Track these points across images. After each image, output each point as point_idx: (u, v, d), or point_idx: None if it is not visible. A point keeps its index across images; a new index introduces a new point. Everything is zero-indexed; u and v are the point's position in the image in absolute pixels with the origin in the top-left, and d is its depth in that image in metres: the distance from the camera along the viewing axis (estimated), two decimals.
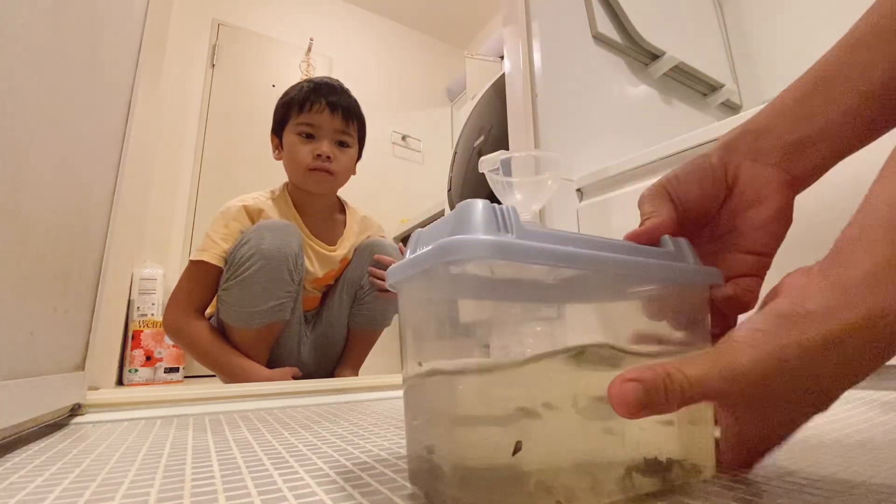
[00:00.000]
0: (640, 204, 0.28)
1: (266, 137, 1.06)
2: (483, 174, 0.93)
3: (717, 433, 0.24)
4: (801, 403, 0.20)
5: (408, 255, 0.22)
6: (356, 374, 1.07)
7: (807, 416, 0.20)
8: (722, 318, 0.26)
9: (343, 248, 1.05)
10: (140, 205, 1.47)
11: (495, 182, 0.90)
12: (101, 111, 0.47)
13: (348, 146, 1.02)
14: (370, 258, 1.04)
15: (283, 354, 0.96)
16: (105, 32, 0.46)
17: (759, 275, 0.27)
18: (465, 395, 0.18)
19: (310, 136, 0.98)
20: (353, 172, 1.08)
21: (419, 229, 0.22)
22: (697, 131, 0.77)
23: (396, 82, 2.86)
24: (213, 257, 0.88)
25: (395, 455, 0.29)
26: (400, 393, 0.63)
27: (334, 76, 1.09)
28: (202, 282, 0.89)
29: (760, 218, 0.26)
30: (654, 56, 1.22)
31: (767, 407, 0.20)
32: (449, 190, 1.69)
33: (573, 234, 0.20)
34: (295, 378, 0.90)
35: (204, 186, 2.09)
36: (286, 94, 1.02)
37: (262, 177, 1.58)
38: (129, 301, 1.56)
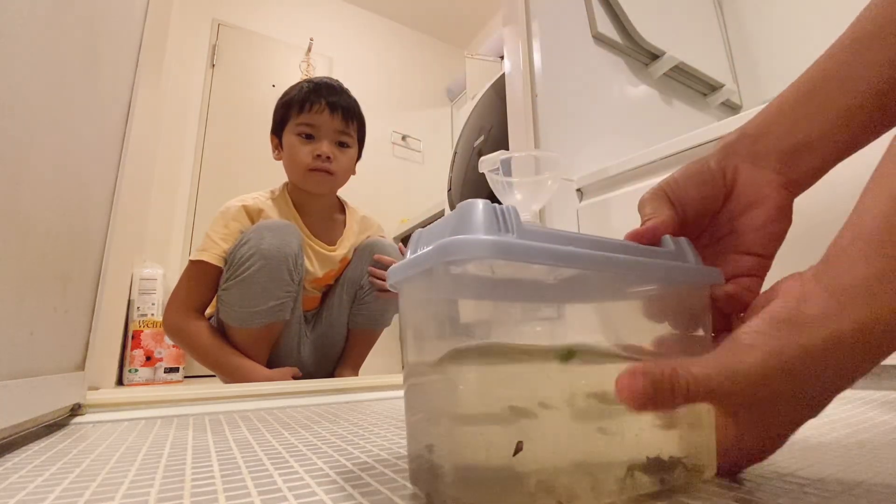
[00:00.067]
0: (641, 206, 0.28)
1: (266, 137, 1.06)
2: (483, 174, 0.93)
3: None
4: (798, 405, 0.20)
5: (408, 255, 0.22)
6: (356, 374, 1.07)
7: (802, 419, 0.21)
8: (722, 317, 0.26)
9: (343, 248, 1.05)
10: (140, 205, 1.47)
11: (495, 182, 0.90)
12: (101, 111, 0.47)
13: (348, 146, 1.02)
14: (370, 258, 1.04)
15: (283, 354, 0.95)
16: (105, 32, 0.46)
17: (759, 275, 0.27)
18: (466, 394, 0.18)
19: (310, 137, 0.98)
20: (353, 172, 1.08)
21: (420, 229, 0.22)
22: (697, 131, 0.77)
23: (396, 82, 2.86)
24: (212, 257, 0.88)
25: (395, 455, 0.29)
26: (400, 393, 0.63)
27: (334, 76, 1.09)
28: (202, 282, 0.89)
29: (759, 220, 0.27)
30: (654, 56, 1.22)
31: (766, 409, 0.20)
32: (449, 190, 1.69)
33: (574, 233, 0.20)
34: (295, 378, 0.90)
35: (204, 186, 2.10)
36: (286, 94, 1.02)
37: (262, 177, 1.58)
38: (129, 301, 1.56)
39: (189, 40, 2.17)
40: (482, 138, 1.45)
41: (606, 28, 1.13)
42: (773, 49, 1.38)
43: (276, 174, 1.04)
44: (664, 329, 0.24)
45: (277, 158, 1.04)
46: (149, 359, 1.60)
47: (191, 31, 2.19)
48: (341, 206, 1.12)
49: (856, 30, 0.26)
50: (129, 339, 1.58)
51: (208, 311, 0.93)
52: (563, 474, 0.19)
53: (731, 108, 1.42)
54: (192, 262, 0.89)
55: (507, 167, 0.90)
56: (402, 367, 0.24)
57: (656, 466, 0.21)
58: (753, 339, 0.19)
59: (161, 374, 1.62)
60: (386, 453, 0.30)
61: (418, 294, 0.22)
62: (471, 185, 1.48)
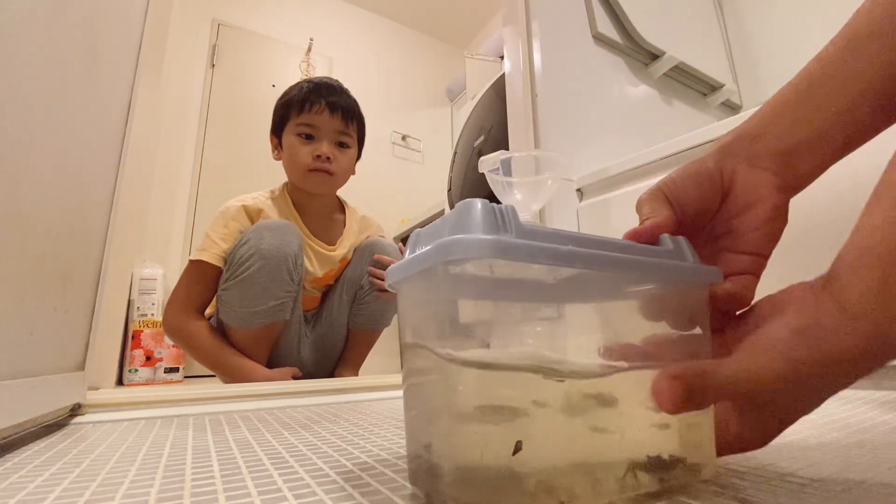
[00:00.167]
0: (639, 206, 0.28)
1: (266, 137, 1.06)
2: (483, 174, 0.93)
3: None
4: (802, 405, 0.22)
5: (407, 255, 0.22)
6: (356, 374, 1.07)
7: (800, 416, 0.22)
8: (721, 314, 0.26)
9: (343, 248, 1.05)
10: (140, 205, 1.47)
11: (495, 182, 0.90)
12: (101, 111, 0.47)
13: (348, 146, 1.02)
14: (370, 258, 1.04)
15: (283, 354, 0.95)
16: (105, 32, 0.46)
17: (756, 273, 0.27)
18: (465, 393, 0.18)
19: (309, 137, 0.98)
20: (353, 173, 1.08)
21: (419, 229, 0.22)
22: (697, 131, 0.77)
23: (396, 82, 2.86)
24: (212, 257, 0.88)
25: (395, 455, 0.29)
26: (400, 393, 0.63)
27: (334, 76, 1.09)
28: (202, 281, 0.89)
29: (756, 220, 0.27)
30: (654, 56, 1.22)
31: (773, 407, 0.22)
32: (449, 190, 1.69)
33: (573, 233, 0.20)
34: (295, 378, 0.90)
35: (204, 186, 2.10)
36: (286, 94, 1.02)
37: (262, 177, 1.58)
38: (129, 301, 1.56)
39: (189, 40, 2.17)
40: (482, 138, 1.45)
41: (606, 28, 1.13)
42: (773, 49, 1.38)
43: (276, 174, 1.04)
44: (663, 328, 0.24)
45: (277, 158, 1.04)
46: (149, 359, 1.60)
47: (191, 31, 2.19)
48: (341, 206, 1.12)
49: (851, 29, 0.26)
50: (129, 339, 1.58)
51: (208, 311, 0.93)
52: (563, 474, 0.19)
53: (731, 108, 1.42)
54: (191, 261, 0.89)
55: (507, 167, 0.90)
56: (402, 367, 0.24)
57: (656, 465, 0.21)
58: (775, 346, 0.21)
59: (161, 374, 1.62)
60: (386, 453, 0.30)
61: (417, 294, 0.22)
62: (471, 185, 1.48)
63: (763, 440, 0.23)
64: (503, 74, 1.20)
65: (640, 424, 0.21)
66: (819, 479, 0.23)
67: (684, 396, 0.19)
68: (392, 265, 0.23)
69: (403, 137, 2.81)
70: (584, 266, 0.20)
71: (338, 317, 1.04)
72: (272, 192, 1.01)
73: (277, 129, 1.02)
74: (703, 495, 0.21)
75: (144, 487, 0.23)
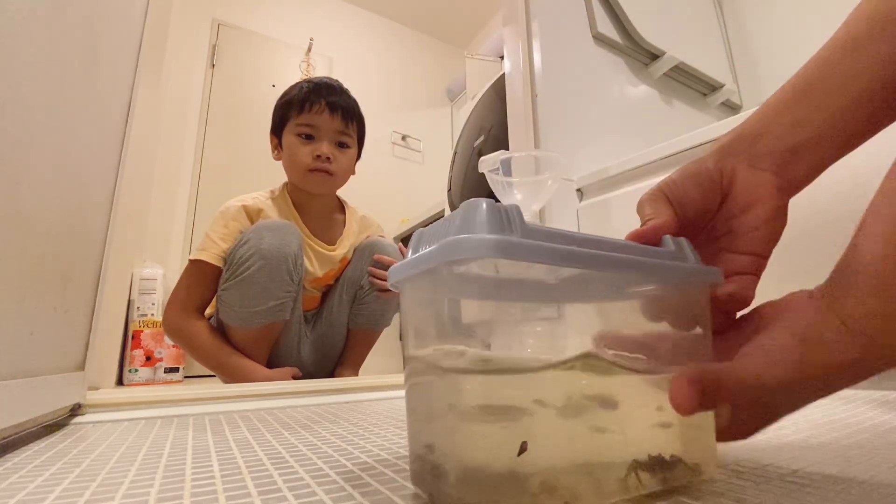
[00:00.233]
0: (640, 207, 0.28)
1: (266, 137, 1.06)
2: (483, 174, 0.93)
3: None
4: (794, 406, 0.23)
5: (409, 255, 0.22)
6: (356, 374, 1.07)
7: (787, 414, 0.24)
8: (721, 315, 0.26)
9: (343, 248, 1.05)
10: (140, 205, 1.47)
11: (495, 182, 0.90)
12: (101, 111, 0.47)
13: (348, 147, 1.02)
14: (370, 258, 1.04)
15: (283, 354, 0.95)
16: (105, 32, 0.46)
17: (756, 273, 0.27)
18: (469, 394, 0.18)
19: (309, 137, 0.98)
20: (353, 173, 1.08)
21: (421, 228, 0.22)
22: (697, 131, 0.77)
23: (396, 82, 2.86)
24: (211, 257, 0.88)
25: (395, 455, 0.29)
26: (400, 393, 0.63)
27: (334, 76, 1.09)
28: (201, 281, 0.89)
29: (756, 221, 0.27)
30: (654, 56, 1.22)
31: (768, 407, 0.23)
32: (449, 190, 1.69)
33: (576, 233, 0.20)
34: (295, 378, 0.90)
35: (204, 186, 2.10)
36: (285, 94, 1.02)
37: (262, 177, 1.58)
38: (129, 301, 1.56)
39: (189, 40, 2.17)
40: (482, 138, 1.45)
41: (606, 28, 1.13)
42: (773, 49, 1.38)
43: (276, 174, 1.04)
44: (664, 328, 0.24)
45: (277, 158, 1.04)
46: (149, 359, 1.60)
47: (191, 31, 2.19)
48: (341, 206, 1.12)
49: (849, 29, 0.26)
50: (129, 339, 1.58)
51: (208, 311, 0.93)
52: (566, 474, 0.19)
53: (731, 108, 1.42)
54: (191, 261, 0.89)
55: (507, 167, 0.90)
56: (404, 366, 0.24)
57: (658, 465, 0.21)
58: (781, 354, 0.22)
59: (161, 374, 1.62)
60: (386, 453, 0.30)
61: (420, 294, 0.22)
62: (471, 185, 1.48)
63: (749, 434, 0.24)
64: (503, 74, 1.20)
65: (641, 424, 0.21)
66: (819, 478, 0.23)
67: (700, 400, 0.20)
68: (395, 265, 0.23)
69: (403, 137, 2.81)
70: (590, 267, 0.20)
71: (338, 317, 1.04)
72: (272, 192, 1.01)
73: (277, 129, 1.02)
74: (704, 495, 0.21)
75: (144, 487, 0.23)
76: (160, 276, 1.66)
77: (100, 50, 0.45)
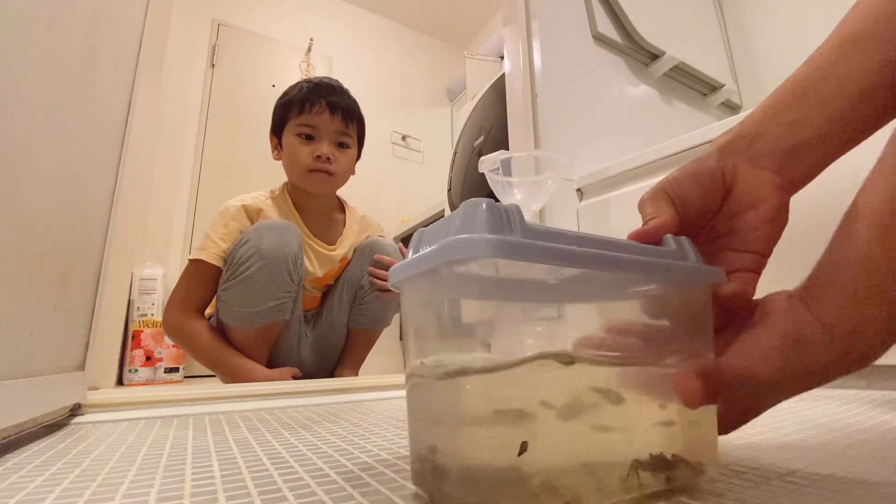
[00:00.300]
0: (641, 206, 0.28)
1: (266, 137, 1.06)
2: (483, 174, 0.93)
3: None
4: (777, 401, 0.24)
5: (410, 255, 0.22)
6: (356, 374, 1.07)
7: (768, 408, 0.25)
8: (723, 314, 0.26)
9: (343, 248, 1.05)
10: (140, 205, 1.46)
11: (495, 182, 0.90)
12: (101, 111, 0.47)
13: (348, 147, 1.02)
14: (370, 258, 1.04)
15: (283, 354, 0.95)
16: (105, 32, 0.46)
17: (757, 271, 0.27)
18: (470, 395, 0.18)
19: (309, 137, 0.98)
20: (353, 173, 1.08)
21: (422, 228, 0.22)
22: (697, 131, 0.77)
23: (396, 82, 2.86)
24: (211, 257, 0.88)
25: (395, 455, 0.29)
26: (400, 393, 0.63)
27: (334, 76, 1.09)
28: (201, 281, 0.89)
29: (757, 220, 0.27)
30: (654, 56, 1.22)
31: (754, 401, 0.24)
32: (449, 190, 1.69)
33: (577, 233, 0.20)
34: (295, 378, 0.90)
35: (204, 186, 2.09)
36: (285, 94, 1.02)
37: (262, 177, 1.58)
38: (129, 301, 1.55)
39: (189, 40, 2.17)
40: (482, 138, 1.45)
41: (606, 28, 1.13)
42: (773, 49, 1.38)
43: (276, 174, 1.04)
44: (664, 326, 0.24)
45: (277, 158, 1.04)
46: (149, 359, 1.60)
47: (191, 31, 2.19)
48: (341, 206, 1.12)
49: (847, 29, 0.26)
50: (129, 339, 1.58)
51: (208, 311, 0.93)
52: (567, 474, 0.19)
53: (731, 108, 1.42)
54: (191, 261, 0.89)
55: (507, 167, 0.90)
56: (405, 366, 0.24)
57: (660, 465, 0.21)
58: (770, 354, 0.23)
59: (161, 374, 1.62)
60: (386, 453, 0.30)
61: (421, 294, 0.22)
62: (471, 185, 1.48)
63: (734, 427, 0.25)
64: (503, 74, 1.20)
65: (643, 422, 0.21)
66: (819, 479, 0.23)
67: (704, 393, 0.21)
68: (395, 265, 0.23)
69: (403, 137, 2.81)
70: (590, 266, 0.20)
71: (338, 317, 1.04)
72: (272, 191, 1.01)
73: (277, 130, 1.02)
74: (705, 495, 0.21)
75: (144, 487, 0.23)
76: (160, 276, 1.66)
77: (100, 50, 0.45)
